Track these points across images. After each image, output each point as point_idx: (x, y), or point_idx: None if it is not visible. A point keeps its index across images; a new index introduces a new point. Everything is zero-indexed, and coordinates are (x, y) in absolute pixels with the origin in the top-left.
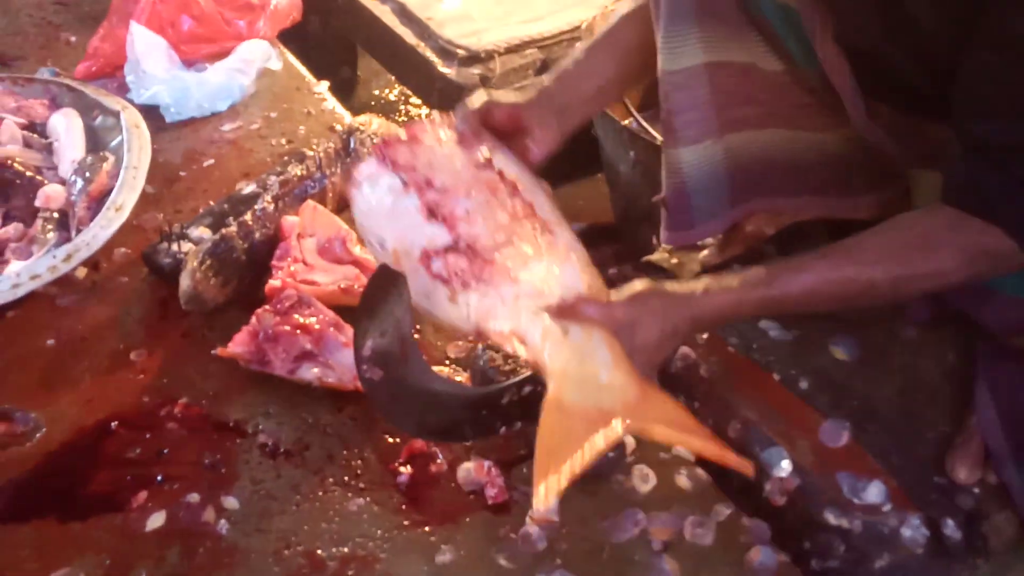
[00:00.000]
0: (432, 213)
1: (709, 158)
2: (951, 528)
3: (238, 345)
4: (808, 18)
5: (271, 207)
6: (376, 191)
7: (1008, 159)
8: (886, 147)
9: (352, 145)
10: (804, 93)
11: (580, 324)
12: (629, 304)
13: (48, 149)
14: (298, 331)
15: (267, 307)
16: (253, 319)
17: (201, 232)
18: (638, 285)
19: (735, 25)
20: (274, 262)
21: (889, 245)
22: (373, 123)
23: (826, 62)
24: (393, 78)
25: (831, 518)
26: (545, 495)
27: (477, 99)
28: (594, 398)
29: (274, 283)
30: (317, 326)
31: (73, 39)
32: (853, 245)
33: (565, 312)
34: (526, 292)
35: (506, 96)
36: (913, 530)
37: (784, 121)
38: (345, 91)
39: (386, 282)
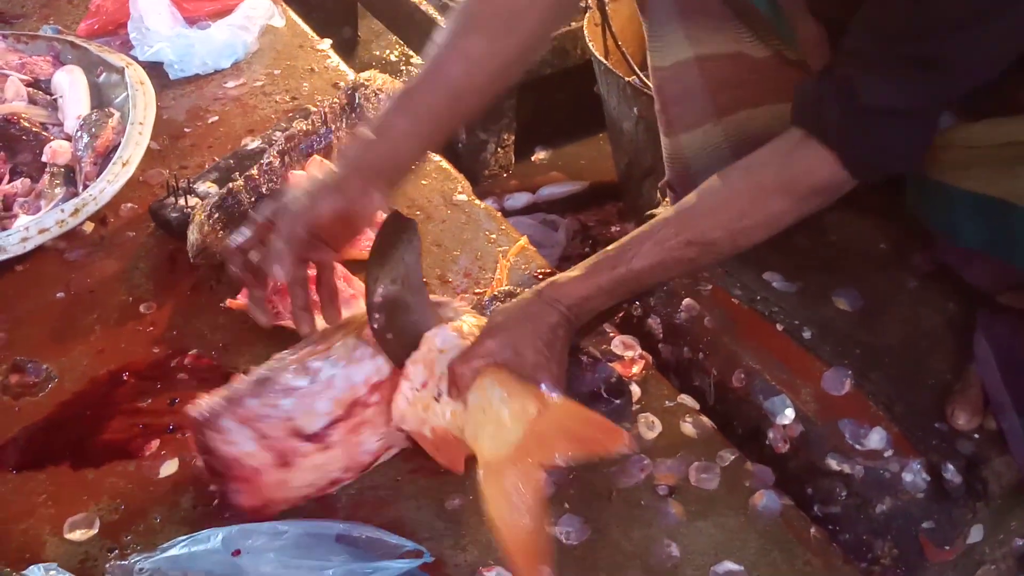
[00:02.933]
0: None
1: (710, 141)
2: (951, 473)
3: (247, 297)
4: (788, 2)
5: (277, 162)
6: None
7: (861, 81)
8: None
9: (357, 101)
10: (795, 70)
11: (470, 386)
12: (493, 333)
13: (53, 106)
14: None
15: None
16: None
17: (208, 187)
18: (497, 311)
19: (719, 18)
20: None
21: (720, 202)
22: (377, 79)
23: (804, 42)
24: (393, 39)
25: (833, 464)
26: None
27: (283, 241)
28: (508, 441)
29: None
30: None
31: None
32: (688, 208)
33: (455, 384)
34: (419, 380)
35: (320, 188)
36: (914, 475)
37: (779, 95)
38: (345, 52)
39: (396, 229)
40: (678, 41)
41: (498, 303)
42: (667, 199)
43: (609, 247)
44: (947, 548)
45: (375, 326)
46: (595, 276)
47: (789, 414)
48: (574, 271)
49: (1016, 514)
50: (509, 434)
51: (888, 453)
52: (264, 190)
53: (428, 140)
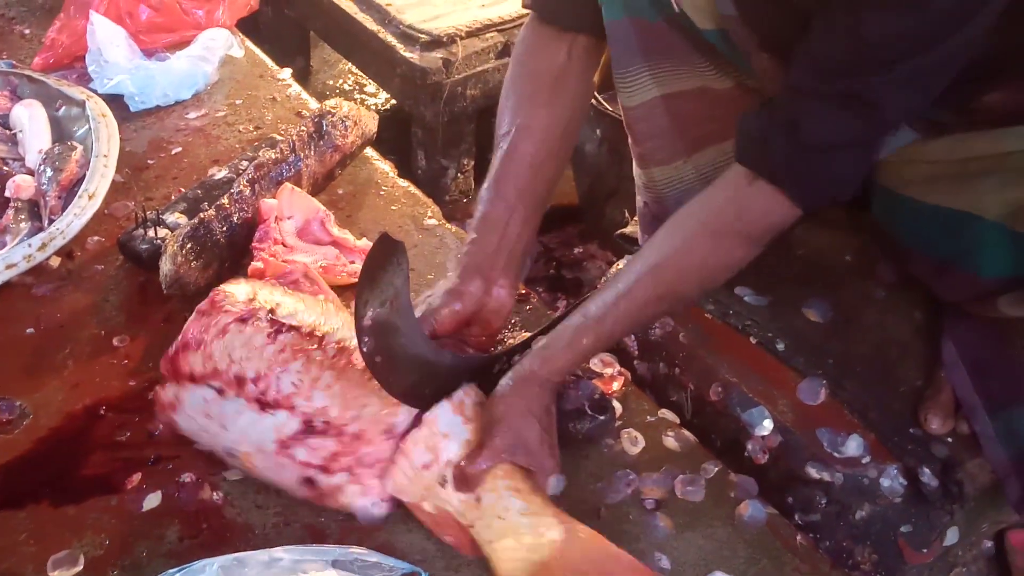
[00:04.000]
0: (264, 404)
1: (681, 176)
2: (928, 476)
3: None
4: (740, 37)
5: (247, 190)
6: (195, 410)
7: (803, 118)
8: None
9: (324, 128)
10: (759, 99)
11: (484, 483)
12: (501, 431)
13: (12, 140)
14: None
15: None
16: None
17: (177, 218)
18: (496, 401)
19: (682, 55)
20: (254, 244)
21: (684, 256)
22: (343, 106)
23: (759, 73)
24: (346, 68)
25: (813, 472)
26: None
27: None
28: (530, 559)
29: (256, 265)
30: None
31: (27, 32)
32: (656, 265)
33: (465, 482)
34: (421, 460)
35: (443, 294)
36: (892, 480)
37: None
38: (299, 81)
39: (385, 252)
40: (643, 81)
41: None
42: (635, 218)
43: (582, 308)
44: (925, 551)
45: (364, 349)
46: (578, 343)
47: (767, 425)
48: (558, 342)
49: (988, 516)
50: (530, 553)
51: (866, 459)
52: (235, 219)
53: (526, 219)
